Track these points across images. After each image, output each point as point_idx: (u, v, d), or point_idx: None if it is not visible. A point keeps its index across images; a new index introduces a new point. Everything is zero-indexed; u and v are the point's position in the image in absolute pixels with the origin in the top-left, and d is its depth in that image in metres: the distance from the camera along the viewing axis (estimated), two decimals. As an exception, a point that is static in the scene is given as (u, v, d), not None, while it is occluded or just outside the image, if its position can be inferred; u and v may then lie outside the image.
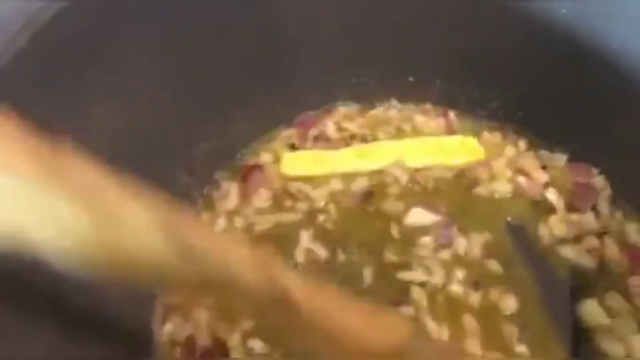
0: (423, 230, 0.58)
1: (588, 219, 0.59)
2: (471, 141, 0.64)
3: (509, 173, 0.62)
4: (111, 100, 0.45)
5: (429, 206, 0.59)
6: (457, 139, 0.64)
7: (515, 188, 0.61)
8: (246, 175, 0.61)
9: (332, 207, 0.59)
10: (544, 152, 0.64)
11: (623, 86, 0.54)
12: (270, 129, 0.64)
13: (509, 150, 0.65)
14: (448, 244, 0.57)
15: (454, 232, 0.57)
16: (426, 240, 0.57)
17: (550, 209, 0.60)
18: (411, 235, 0.58)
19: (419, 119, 0.65)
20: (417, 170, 0.62)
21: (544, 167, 0.63)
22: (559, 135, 0.63)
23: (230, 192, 0.59)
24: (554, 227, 0.59)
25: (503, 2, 0.56)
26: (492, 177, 0.62)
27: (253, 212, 0.59)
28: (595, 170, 0.62)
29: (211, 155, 0.58)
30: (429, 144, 0.63)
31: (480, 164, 0.62)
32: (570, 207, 0.60)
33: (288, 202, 0.60)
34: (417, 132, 0.65)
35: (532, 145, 0.65)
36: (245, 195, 0.60)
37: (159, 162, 0.51)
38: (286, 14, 0.55)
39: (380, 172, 0.61)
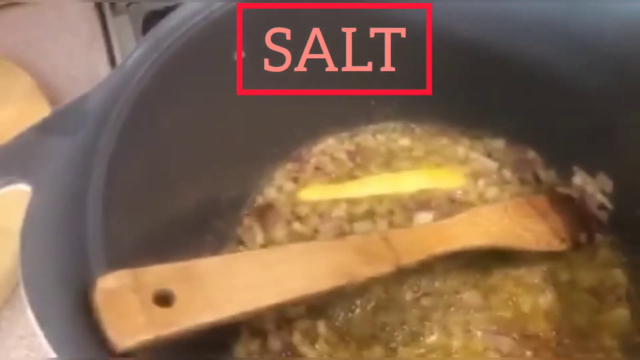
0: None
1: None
2: (457, 169, 0.76)
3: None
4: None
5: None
6: (444, 170, 0.76)
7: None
8: (262, 214, 0.70)
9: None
10: (487, 141, 0.79)
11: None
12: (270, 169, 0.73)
13: (460, 151, 0.78)
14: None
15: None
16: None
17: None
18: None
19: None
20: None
21: (489, 155, 0.79)
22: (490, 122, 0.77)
23: (253, 229, 0.68)
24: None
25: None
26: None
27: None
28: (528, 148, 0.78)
29: (234, 201, 0.67)
30: (422, 174, 0.75)
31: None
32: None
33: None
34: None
35: (472, 138, 0.79)
36: (266, 230, 0.69)
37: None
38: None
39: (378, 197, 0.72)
